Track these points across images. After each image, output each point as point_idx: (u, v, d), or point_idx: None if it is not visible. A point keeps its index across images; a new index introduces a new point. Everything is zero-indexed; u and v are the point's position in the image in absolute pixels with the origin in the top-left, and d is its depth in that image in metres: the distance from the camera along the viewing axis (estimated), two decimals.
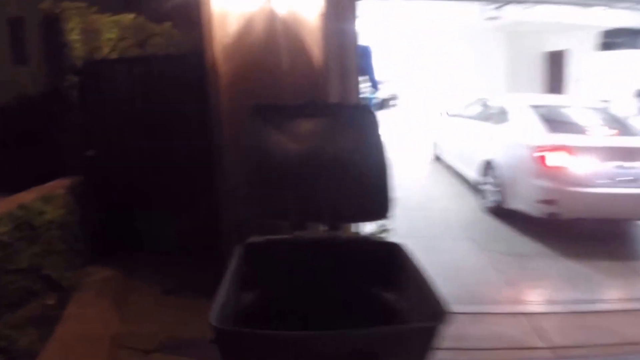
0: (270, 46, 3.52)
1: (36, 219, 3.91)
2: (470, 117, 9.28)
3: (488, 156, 7.57)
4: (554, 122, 6.87)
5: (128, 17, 5.49)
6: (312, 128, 2.99)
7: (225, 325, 1.93)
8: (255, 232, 2.86)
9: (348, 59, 3.57)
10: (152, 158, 4.64)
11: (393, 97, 21.01)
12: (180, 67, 4.41)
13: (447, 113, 10.77)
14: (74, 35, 4.67)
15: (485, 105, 8.86)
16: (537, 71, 19.82)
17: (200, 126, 4.04)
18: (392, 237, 3.57)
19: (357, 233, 3.74)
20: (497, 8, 16.20)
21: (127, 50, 5.38)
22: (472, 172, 8.30)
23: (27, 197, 3.98)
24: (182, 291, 4.24)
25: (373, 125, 2.91)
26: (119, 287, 4.45)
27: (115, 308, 4.05)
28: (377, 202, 2.83)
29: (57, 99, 4.65)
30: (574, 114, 7.49)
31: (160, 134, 4.60)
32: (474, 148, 8.30)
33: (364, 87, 4.87)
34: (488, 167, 7.53)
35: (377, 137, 2.89)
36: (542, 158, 6.27)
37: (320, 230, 2.95)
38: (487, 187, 7.53)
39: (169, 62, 4.52)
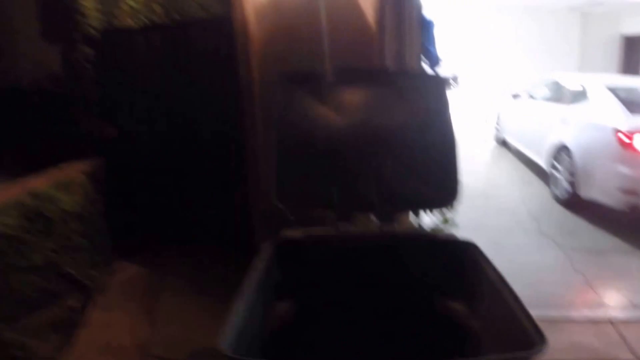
0: (309, 3, 2.98)
1: (50, 208, 3.57)
2: (539, 98, 8.59)
3: (560, 140, 6.97)
4: (636, 104, 6.22)
5: None
6: (361, 99, 2.47)
7: (244, 354, 1.45)
8: (290, 225, 2.38)
9: (407, 21, 3.01)
10: (179, 138, 4.24)
11: (454, 77, 20.03)
12: (212, 34, 3.96)
13: (513, 94, 10.08)
14: (88, 2, 4.30)
15: (557, 85, 8.15)
16: (612, 56, 18.42)
17: (232, 101, 3.60)
18: (453, 230, 3.06)
19: (417, 227, 3.21)
20: None
21: (152, 18, 4.97)
22: (541, 158, 7.71)
23: (39, 183, 3.62)
24: (215, 290, 3.84)
25: (440, 97, 2.37)
26: (147, 287, 4.12)
27: (142, 311, 3.72)
28: (441, 187, 2.30)
29: (70, 72, 4.29)
30: None
31: (187, 111, 4.19)
32: (544, 131, 7.66)
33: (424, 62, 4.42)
34: (560, 152, 6.94)
35: (445, 111, 2.34)
36: (630, 142, 5.59)
37: (371, 222, 2.44)
38: (559, 174, 6.91)
39: (199, 29, 4.07)
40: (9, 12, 9.93)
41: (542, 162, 7.68)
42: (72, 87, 4.32)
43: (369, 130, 2.37)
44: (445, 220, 3.49)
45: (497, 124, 11.02)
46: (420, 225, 3.37)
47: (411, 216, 3.27)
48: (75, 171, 4.00)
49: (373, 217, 2.40)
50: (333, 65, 2.78)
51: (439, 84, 2.43)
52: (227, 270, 3.87)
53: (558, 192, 6.92)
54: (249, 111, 3.26)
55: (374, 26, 2.94)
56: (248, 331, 1.59)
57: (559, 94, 7.86)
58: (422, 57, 4.03)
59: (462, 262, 2.11)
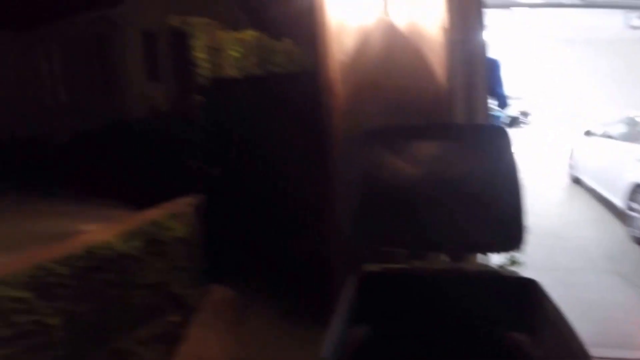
0: (388, 62, 3.39)
1: (165, 235, 4.16)
2: (613, 135, 8.43)
3: (637, 179, 6.82)
4: None
5: (250, 34, 5.73)
6: (433, 151, 2.81)
7: None
8: (368, 260, 2.74)
9: (475, 75, 3.33)
10: (269, 177, 4.75)
11: (524, 114, 19.71)
12: (299, 85, 4.48)
13: (586, 131, 9.91)
14: (200, 53, 4.96)
15: (632, 122, 7.99)
16: None
17: (316, 148, 4.04)
18: (524, 269, 3.26)
19: (485, 265, 3.44)
20: None
21: (249, 69, 5.61)
22: (617, 197, 7.52)
23: (157, 213, 4.26)
24: (298, 316, 4.24)
25: (504, 146, 2.65)
26: (236, 308, 4.57)
27: (232, 331, 4.14)
28: (508, 231, 2.56)
29: (183, 117, 4.95)
30: None
31: (278, 154, 4.70)
32: (620, 169, 7.50)
33: (492, 104, 4.62)
34: (637, 191, 6.82)
35: (510, 159, 2.62)
36: None
37: (442, 260, 2.74)
38: (637, 214, 6.71)
39: (289, 81, 4.61)
40: (123, 55, 11.18)
41: (618, 201, 7.51)
42: (182, 129, 4.94)
43: (440, 179, 2.69)
44: (513, 261, 3.69)
45: (571, 161, 10.78)
46: (486, 264, 3.60)
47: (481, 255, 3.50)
48: (184, 204, 4.63)
49: (443, 256, 2.70)
50: (409, 119, 3.14)
51: (502, 134, 2.71)
52: (309, 299, 4.29)
53: (636, 232, 6.75)
54: (331, 158, 3.67)
55: (445, 83, 3.27)
56: (339, 347, 1.95)
57: (634, 132, 7.71)
58: (490, 98, 4.24)
59: (524, 297, 2.36)
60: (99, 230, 3.76)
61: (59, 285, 3.21)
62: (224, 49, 5.28)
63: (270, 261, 4.88)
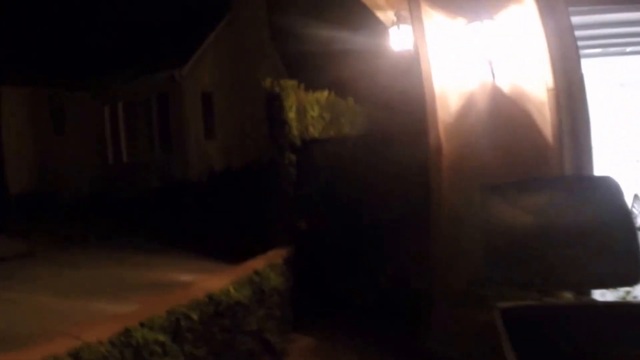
0: (493, 122, 3.74)
1: (265, 284, 4.42)
2: None
3: None
4: None
5: (324, 95, 6.17)
6: (548, 201, 3.12)
7: None
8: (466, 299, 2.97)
9: (580, 130, 3.62)
10: (356, 231, 5.03)
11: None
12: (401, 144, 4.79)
13: None
14: (291, 114, 5.36)
15: None
16: None
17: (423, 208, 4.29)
18: None
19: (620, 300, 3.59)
20: None
21: (325, 128, 6.00)
22: None
23: (259, 264, 4.55)
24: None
25: (615, 193, 2.95)
26: (321, 355, 4.74)
27: None
28: (626, 267, 2.82)
29: (274, 173, 5.32)
30: None
31: (368, 209, 5.00)
32: None
33: None
34: None
35: (621, 204, 2.92)
36: None
37: (568, 296, 2.97)
38: None
39: (389, 140, 4.95)
40: (185, 116, 11.83)
41: None
42: (277, 185, 5.30)
43: (557, 225, 2.99)
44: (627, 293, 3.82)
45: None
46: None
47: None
48: (277, 255, 4.91)
49: (568, 293, 2.92)
50: (517, 175, 3.41)
51: (611, 183, 2.99)
52: (397, 343, 4.43)
53: None
54: (437, 211, 3.94)
55: (553, 142, 3.56)
56: None
57: None
58: None
59: None
60: (215, 278, 4.04)
61: (189, 329, 3.46)
62: (306, 109, 5.71)
63: (359, 307, 5.04)
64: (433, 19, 3.83)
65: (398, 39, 5.06)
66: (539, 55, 3.63)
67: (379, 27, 6.12)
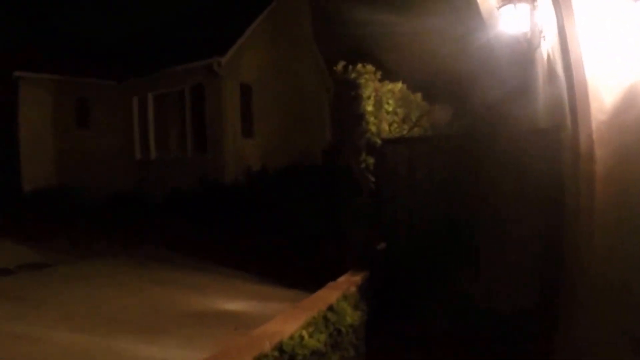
0: None
1: (342, 322, 3.59)
2: None
3: None
4: None
5: (398, 86, 5.29)
6: None
7: None
8: None
9: None
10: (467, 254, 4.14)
11: None
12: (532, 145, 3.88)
13: None
14: (369, 106, 4.50)
15: None
16: None
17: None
18: None
19: None
20: None
21: (399, 126, 5.16)
22: None
23: (332, 296, 3.71)
24: None
25: None
26: None
27: None
28: None
29: (345, 179, 4.49)
30: None
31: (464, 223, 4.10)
32: None
33: None
34: None
35: None
36: None
37: None
38: None
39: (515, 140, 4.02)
40: (222, 111, 11.06)
41: None
42: (349, 194, 4.46)
43: None
44: None
45: None
46: None
47: None
48: (350, 283, 4.07)
49: None
50: None
51: None
52: None
53: None
54: (586, 241, 3.06)
55: None
56: None
57: None
58: None
59: None
60: (282, 320, 3.20)
61: None
62: (382, 102, 4.81)
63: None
64: None
65: (512, 20, 4.08)
66: None
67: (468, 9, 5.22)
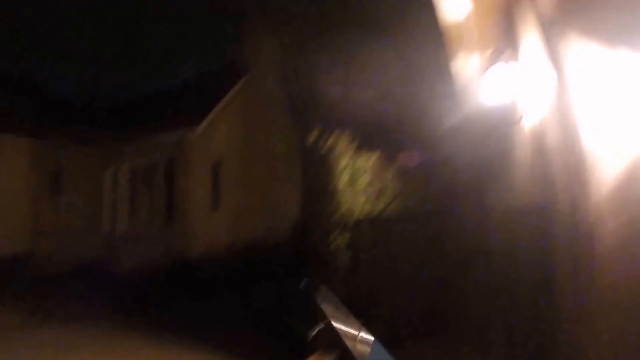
0: None
1: None
2: None
3: None
4: None
5: (373, 158, 5.10)
6: None
7: None
8: None
9: None
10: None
11: None
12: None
13: None
14: (342, 181, 4.25)
15: None
16: None
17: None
18: None
19: None
20: None
21: (375, 201, 4.92)
22: None
23: None
24: None
25: None
26: None
27: None
28: None
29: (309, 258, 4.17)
30: None
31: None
32: None
33: None
34: None
35: None
36: None
37: None
38: None
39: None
40: (192, 185, 10.84)
41: None
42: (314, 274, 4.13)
43: None
44: None
45: None
46: None
47: None
48: None
49: None
50: None
51: None
52: None
53: None
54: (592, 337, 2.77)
55: None
56: None
57: None
58: None
59: None
60: None
61: None
62: (357, 174, 4.58)
63: None
64: (578, 50, 2.81)
65: (490, 88, 3.92)
66: None
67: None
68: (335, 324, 3.91)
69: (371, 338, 3.73)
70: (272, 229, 10.90)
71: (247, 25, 13.02)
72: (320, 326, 4.13)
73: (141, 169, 12.40)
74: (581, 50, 2.80)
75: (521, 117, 4.04)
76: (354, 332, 3.87)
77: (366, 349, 3.55)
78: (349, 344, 3.56)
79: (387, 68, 5.40)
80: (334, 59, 6.08)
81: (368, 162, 4.97)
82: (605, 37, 2.75)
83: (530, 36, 3.19)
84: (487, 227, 3.85)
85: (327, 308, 4.06)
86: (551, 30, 2.88)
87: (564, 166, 2.91)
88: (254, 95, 13.37)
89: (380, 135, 5.14)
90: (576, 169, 2.83)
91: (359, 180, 4.65)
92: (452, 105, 5.01)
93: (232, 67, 13.37)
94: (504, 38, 3.82)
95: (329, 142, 4.33)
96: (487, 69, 3.88)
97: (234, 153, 12.36)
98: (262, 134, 13.19)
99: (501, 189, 4.50)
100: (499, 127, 4.55)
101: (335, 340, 4.07)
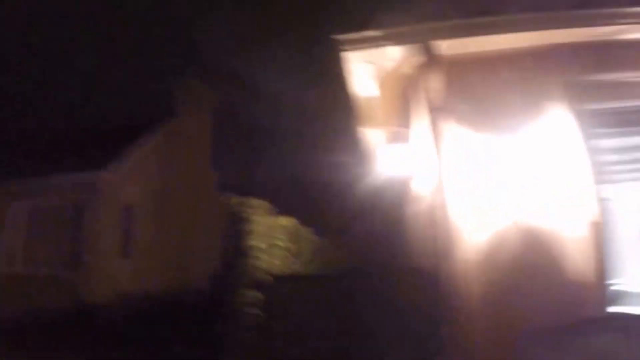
0: (528, 263, 3.25)
1: None
2: None
3: None
4: None
5: (291, 221, 5.42)
6: (604, 344, 2.70)
7: None
8: None
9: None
10: None
11: None
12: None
13: None
14: (258, 242, 4.52)
15: None
16: None
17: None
18: None
19: None
20: None
21: (291, 261, 5.22)
22: None
23: None
24: None
25: None
26: None
27: None
28: None
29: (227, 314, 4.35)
30: None
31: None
32: None
33: None
34: None
35: None
36: None
37: None
38: None
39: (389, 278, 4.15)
40: (100, 228, 10.48)
41: None
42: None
43: None
44: None
45: None
46: None
47: None
48: None
49: None
50: (561, 319, 2.90)
51: None
52: None
53: None
54: None
55: (593, 278, 3.17)
56: None
57: None
58: None
59: None
60: None
61: None
62: (271, 236, 4.88)
63: None
64: (458, 137, 3.38)
65: (392, 161, 4.48)
66: (580, 181, 3.31)
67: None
68: None
69: None
70: (191, 275, 10.62)
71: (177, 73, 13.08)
72: None
73: (45, 207, 11.63)
74: (459, 135, 3.37)
75: (415, 190, 4.60)
76: None
77: None
78: None
79: (301, 134, 5.90)
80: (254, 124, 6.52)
81: (286, 224, 5.31)
82: (479, 126, 3.37)
83: (422, 120, 3.73)
84: (393, 283, 4.22)
85: None
86: (438, 117, 3.41)
87: (444, 236, 3.35)
88: (176, 141, 13.20)
89: (297, 198, 5.54)
90: (451, 239, 3.31)
91: (275, 240, 4.95)
92: (362, 171, 5.52)
93: (155, 109, 13.27)
94: (404, 118, 4.40)
95: (247, 203, 4.63)
96: (388, 144, 4.46)
97: (150, 199, 12.06)
98: (182, 182, 13.07)
99: (404, 251, 4.95)
100: (398, 196, 5.10)
101: None
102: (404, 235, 5.20)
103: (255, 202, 4.69)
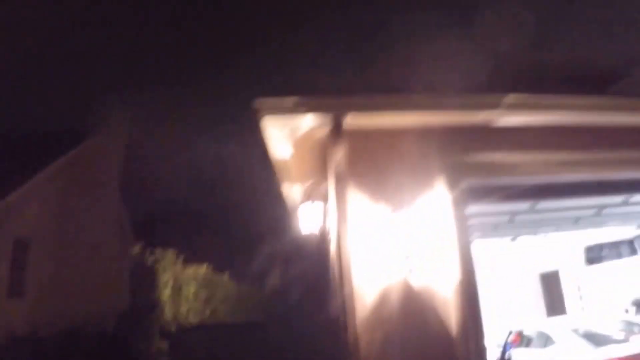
0: (408, 315, 3.72)
1: None
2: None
3: None
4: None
5: (202, 270, 5.60)
6: None
7: None
8: None
9: (479, 326, 3.78)
10: None
11: None
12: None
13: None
14: (166, 293, 4.66)
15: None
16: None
17: None
18: None
19: None
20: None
21: (201, 309, 5.36)
22: None
23: None
24: None
25: None
26: None
27: None
28: None
29: None
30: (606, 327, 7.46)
31: None
32: None
33: None
34: None
35: None
36: None
37: None
38: None
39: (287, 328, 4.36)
40: None
41: None
42: None
43: None
44: None
45: None
46: None
47: None
48: None
49: None
50: None
51: None
52: None
53: None
54: None
55: (455, 331, 3.68)
56: None
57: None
58: None
59: None
60: None
61: None
62: (182, 286, 5.02)
63: None
64: (357, 201, 3.76)
65: (308, 217, 4.78)
66: (448, 247, 3.87)
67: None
68: None
69: None
70: (95, 315, 9.97)
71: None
72: None
73: None
74: (358, 199, 3.73)
75: (326, 246, 4.90)
76: None
77: None
78: None
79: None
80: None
81: (197, 272, 5.47)
82: (375, 193, 3.76)
83: (331, 182, 4.08)
84: (301, 332, 4.46)
85: None
86: (340, 182, 3.77)
87: (341, 291, 3.66)
88: (82, 170, 12.04)
89: (209, 249, 5.73)
90: (348, 294, 3.62)
91: (184, 290, 5.10)
92: (282, 225, 5.79)
93: (63, 133, 11.74)
94: (318, 176, 4.75)
95: (154, 255, 4.77)
96: (304, 201, 4.77)
97: (49, 231, 10.97)
98: (88, 213, 11.80)
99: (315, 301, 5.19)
100: (315, 250, 5.39)
101: None
102: (317, 286, 5.46)
103: (161, 251, 4.85)
